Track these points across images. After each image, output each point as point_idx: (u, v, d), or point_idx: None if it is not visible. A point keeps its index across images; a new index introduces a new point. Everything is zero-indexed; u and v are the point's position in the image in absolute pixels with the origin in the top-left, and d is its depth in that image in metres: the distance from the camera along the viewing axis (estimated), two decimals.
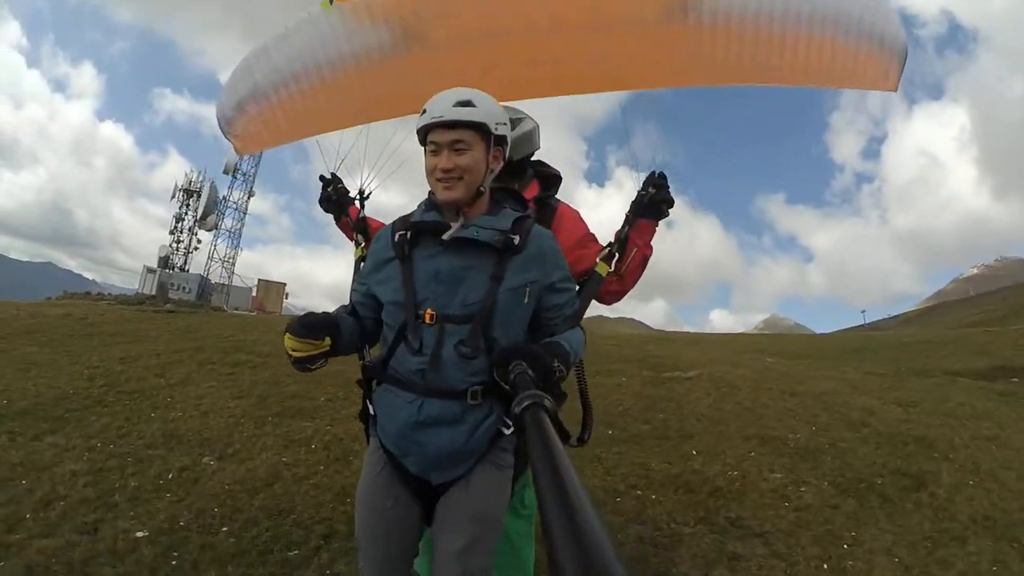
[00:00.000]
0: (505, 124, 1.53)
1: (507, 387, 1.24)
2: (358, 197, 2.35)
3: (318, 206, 2.35)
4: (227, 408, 5.59)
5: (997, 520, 3.81)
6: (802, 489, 4.17)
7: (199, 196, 30.76)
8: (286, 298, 28.11)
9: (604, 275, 1.93)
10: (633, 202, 2.01)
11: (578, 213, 2.05)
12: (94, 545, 3.00)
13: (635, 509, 3.78)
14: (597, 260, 1.94)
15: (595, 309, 2.09)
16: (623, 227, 1.99)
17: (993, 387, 8.29)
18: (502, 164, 1.58)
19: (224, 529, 3.27)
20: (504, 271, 1.47)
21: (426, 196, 1.64)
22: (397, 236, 1.56)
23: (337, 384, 6.44)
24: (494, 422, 1.48)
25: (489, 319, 1.45)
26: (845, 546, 3.41)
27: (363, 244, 2.18)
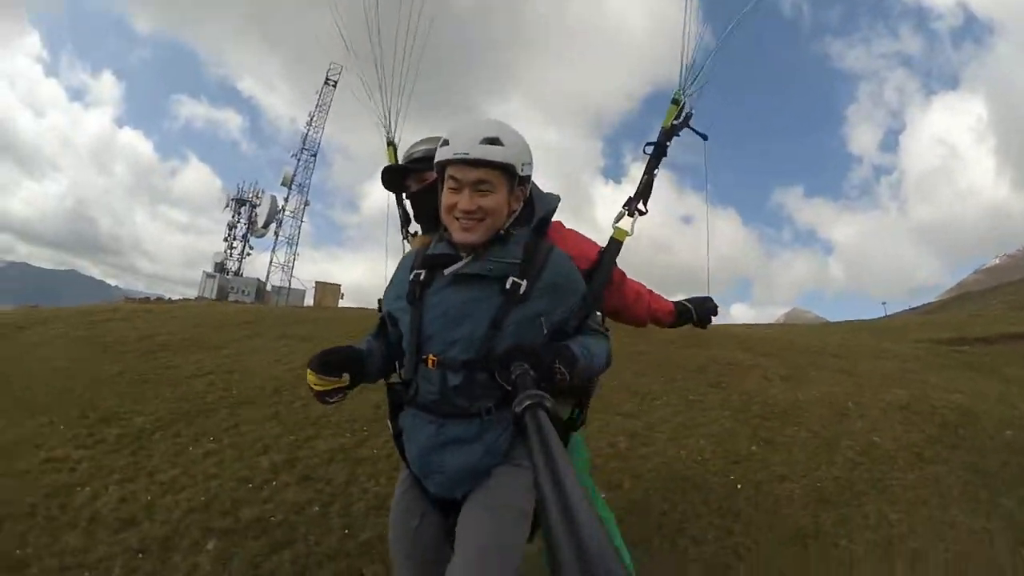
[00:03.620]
0: (530, 163, 1.46)
1: (508, 387, 1.21)
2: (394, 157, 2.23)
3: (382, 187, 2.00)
4: None
5: None
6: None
7: (250, 205, 33.70)
8: (342, 298, 29.16)
9: (623, 240, 1.87)
10: (656, 143, 1.98)
11: (576, 232, 1.85)
12: None
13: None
14: (613, 227, 1.90)
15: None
16: (642, 180, 1.97)
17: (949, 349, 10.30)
18: (522, 205, 1.51)
19: None
20: (508, 314, 1.40)
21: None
22: (412, 275, 1.51)
23: None
24: (509, 436, 1.44)
25: (487, 361, 1.38)
26: None
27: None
